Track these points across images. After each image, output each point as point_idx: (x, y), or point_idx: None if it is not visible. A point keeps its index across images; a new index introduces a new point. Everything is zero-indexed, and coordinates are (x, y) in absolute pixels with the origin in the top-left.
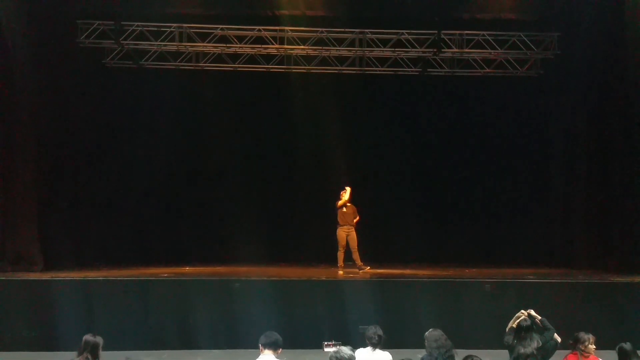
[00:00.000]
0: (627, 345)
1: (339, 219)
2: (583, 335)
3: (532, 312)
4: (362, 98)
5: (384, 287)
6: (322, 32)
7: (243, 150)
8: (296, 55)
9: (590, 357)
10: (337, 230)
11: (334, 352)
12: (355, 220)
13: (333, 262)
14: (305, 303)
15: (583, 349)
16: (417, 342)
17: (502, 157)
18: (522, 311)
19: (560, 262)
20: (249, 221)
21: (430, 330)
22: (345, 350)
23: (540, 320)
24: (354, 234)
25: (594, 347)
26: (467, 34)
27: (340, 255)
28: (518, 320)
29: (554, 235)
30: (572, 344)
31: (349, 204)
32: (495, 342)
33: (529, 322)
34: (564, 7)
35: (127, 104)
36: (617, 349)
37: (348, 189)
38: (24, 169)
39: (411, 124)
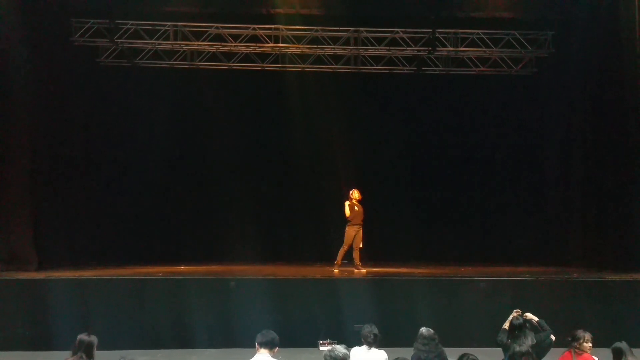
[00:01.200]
0: (622, 345)
1: (349, 217)
2: (579, 332)
3: (529, 315)
4: (357, 96)
5: (380, 286)
6: (317, 30)
7: (238, 149)
8: (291, 54)
9: (584, 355)
10: (347, 228)
11: (328, 350)
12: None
13: (329, 260)
14: (300, 302)
15: (577, 346)
16: (413, 341)
17: (497, 155)
18: (517, 310)
19: (555, 261)
20: (244, 220)
21: (424, 328)
22: (339, 348)
23: (537, 321)
24: (361, 233)
25: (590, 345)
26: (461, 33)
27: (342, 252)
28: (510, 319)
29: (549, 233)
30: (570, 341)
31: (358, 203)
32: (490, 340)
33: (521, 320)
34: (559, 6)
35: (121, 103)
36: (611, 348)
37: (356, 190)
38: (18, 167)
39: (406, 122)
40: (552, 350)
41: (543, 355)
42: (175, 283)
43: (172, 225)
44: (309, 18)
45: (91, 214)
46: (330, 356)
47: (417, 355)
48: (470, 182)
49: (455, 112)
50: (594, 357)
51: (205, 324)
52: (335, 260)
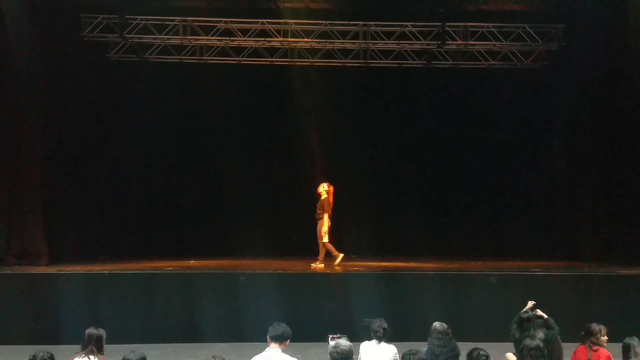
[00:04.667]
0: (632, 340)
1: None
2: (595, 326)
3: (539, 312)
4: (366, 90)
5: (390, 280)
6: (325, 24)
7: (247, 143)
8: (300, 48)
9: (600, 350)
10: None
11: (333, 346)
12: None
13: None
14: (310, 296)
15: (595, 341)
16: (423, 335)
17: (506, 149)
18: (533, 301)
19: (565, 255)
20: (253, 214)
21: (438, 323)
22: (344, 342)
23: (546, 319)
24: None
25: (606, 338)
26: (471, 26)
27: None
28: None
29: (560, 227)
30: (584, 335)
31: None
32: (500, 334)
33: (530, 314)
34: None
35: (131, 97)
36: (622, 343)
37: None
38: (29, 163)
39: (415, 116)
40: (564, 344)
41: (557, 354)
42: (185, 277)
43: (182, 220)
44: (318, 12)
45: (102, 209)
46: (336, 351)
47: (431, 350)
48: (479, 175)
49: (465, 105)
50: (609, 353)
51: (215, 318)
52: (334, 254)
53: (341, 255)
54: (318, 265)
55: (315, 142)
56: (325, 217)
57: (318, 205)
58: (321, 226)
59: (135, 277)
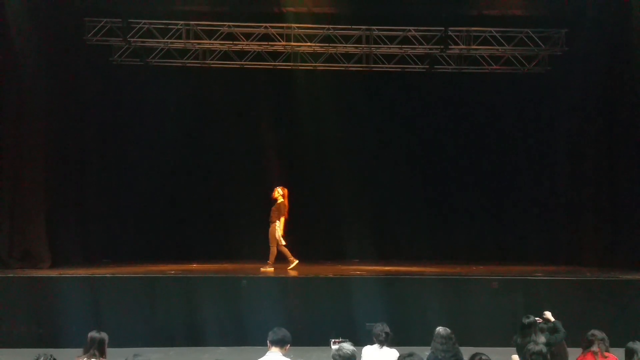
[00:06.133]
0: (635, 345)
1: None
2: (599, 333)
3: (548, 314)
4: (369, 95)
5: (391, 284)
6: (328, 29)
7: (250, 147)
8: (303, 53)
9: (609, 357)
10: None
11: (336, 349)
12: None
13: (340, 258)
14: (312, 300)
15: (603, 347)
16: (424, 340)
17: (508, 154)
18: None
19: (567, 260)
20: (256, 218)
21: (442, 328)
22: (347, 346)
23: (553, 322)
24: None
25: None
26: (474, 31)
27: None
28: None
29: (562, 232)
30: (588, 343)
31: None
32: (502, 339)
33: (531, 319)
34: (572, 3)
35: (133, 101)
36: (625, 348)
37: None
38: (31, 166)
39: (418, 120)
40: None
41: (562, 359)
42: (187, 281)
43: (185, 224)
44: (321, 16)
45: (104, 212)
46: (339, 355)
47: (434, 355)
48: (481, 180)
49: (467, 110)
50: (616, 357)
51: (217, 322)
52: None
53: (296, 262)
54: (268, 269)
55: (318, 146)
56: (281, 220)
57: (273, 209)
58: (274, 230)
59: (137, 280)
